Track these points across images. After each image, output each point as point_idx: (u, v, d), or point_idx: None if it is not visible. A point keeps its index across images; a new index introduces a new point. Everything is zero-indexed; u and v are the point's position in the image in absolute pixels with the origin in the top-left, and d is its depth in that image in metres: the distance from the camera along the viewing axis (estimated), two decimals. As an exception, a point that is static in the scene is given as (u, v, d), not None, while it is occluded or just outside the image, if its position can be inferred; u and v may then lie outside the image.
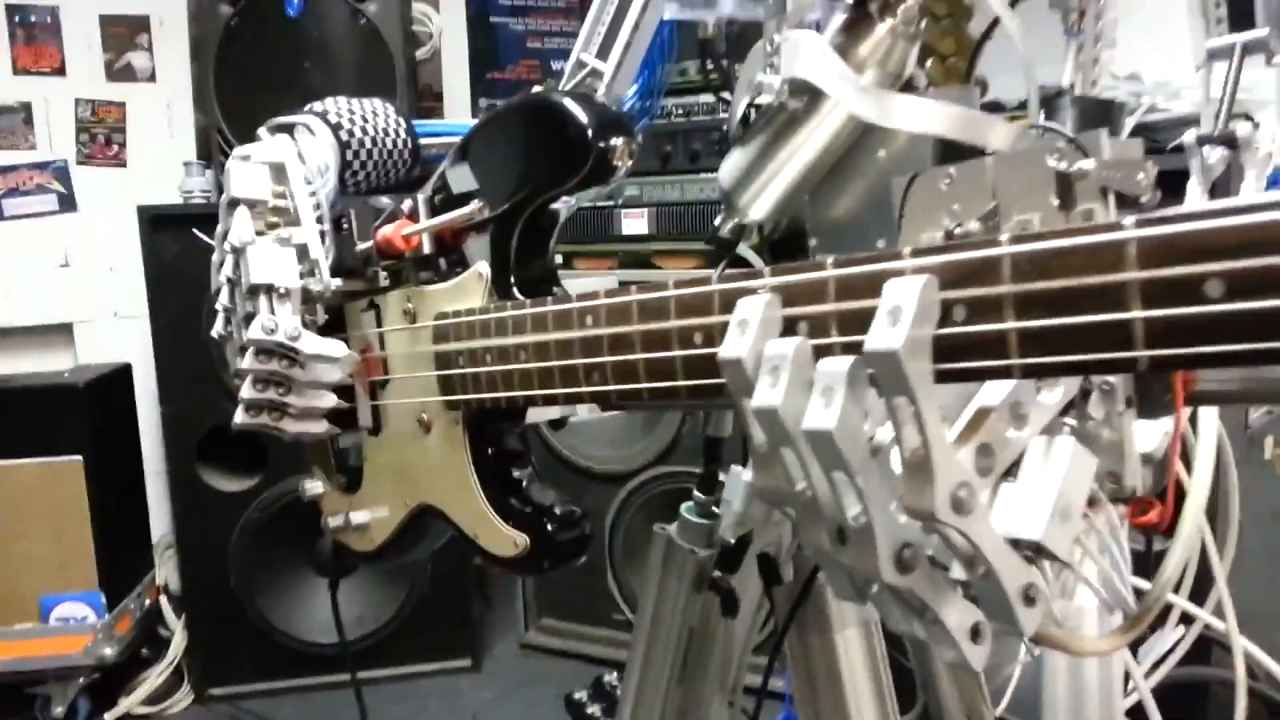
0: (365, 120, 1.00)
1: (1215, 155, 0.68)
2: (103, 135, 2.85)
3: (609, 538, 2.59)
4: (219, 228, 0.90)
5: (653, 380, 0.59)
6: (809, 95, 0.90)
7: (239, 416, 0.87)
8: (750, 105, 0.98)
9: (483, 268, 0.78)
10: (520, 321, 0.70)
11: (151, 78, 2.90)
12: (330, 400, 0.88)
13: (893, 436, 0.45)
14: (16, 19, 2.78)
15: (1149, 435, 0.49)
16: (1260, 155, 0.66)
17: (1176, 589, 1.18)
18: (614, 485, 2.57)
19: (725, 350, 0.49)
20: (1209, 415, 0.65)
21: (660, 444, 2.50)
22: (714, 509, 1.06)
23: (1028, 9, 0.95)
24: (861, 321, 0.45)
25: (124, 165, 2.88)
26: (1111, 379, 0.50)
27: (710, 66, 1.09)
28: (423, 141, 1.06)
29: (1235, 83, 0.77)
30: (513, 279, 0.77)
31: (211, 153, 2.49)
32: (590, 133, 0.70)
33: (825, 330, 0.48)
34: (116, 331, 2.89)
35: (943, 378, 0.44)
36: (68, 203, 2.87)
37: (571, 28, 3.38)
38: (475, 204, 0.76)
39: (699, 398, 0.56)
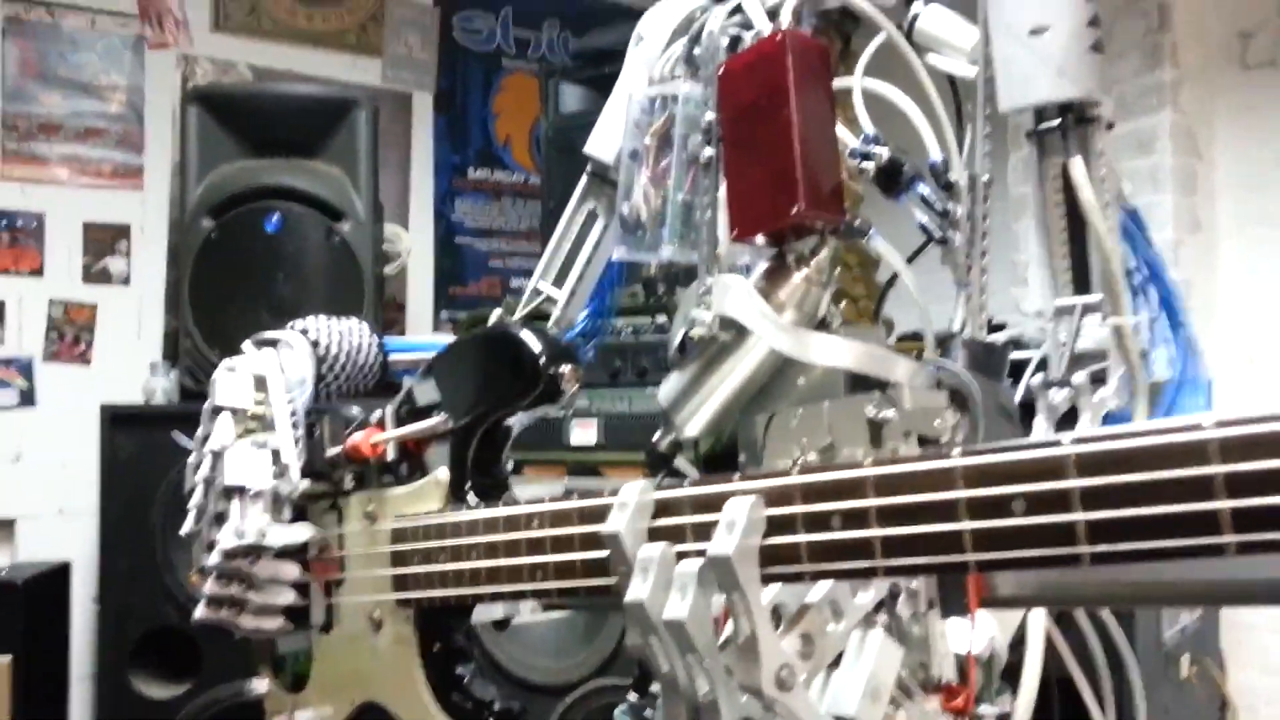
0: (341, 337, 1.11)
1: (1060, 396, 0.80)
2: (71, 334, 2.95)
3: (548, 751, 2.53)
4: (200, 431, 0.98)
5: (590, 577, 0.67)
6: (736, 330, 1.03)
7: (200, 611, 0.92)
8: (686, 335, 1.11)
9: (442, 474, 0.86)
10: (473, 524, 0.79)
11: (126, 281, 3.03)
12: (289, 596, 0.94)
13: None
14: (4, 223, 2.93)
15: (977, 636, 0.59)
16: (1095, 400, 0.78)
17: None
18: (553, 697, 2.55)
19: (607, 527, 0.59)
20: (1037, 617, 0.74)
21: (601, 655, 2.50)
22: (647, 712, 1.11)
23: (926, 261, 1.10)
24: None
25: (88, 364, 2.96)
26: (915, 584, 0.60)
27: (654, 297, 1.22)
28: (391, 357, 1.17)
29: (1076, 336, 0.91)
30: (468, 485, 0.86)
31: (179, 355, 2.59)
32: (542, 360, 0.80)
33: (683, 537, 0.59)
34: (59, 528, 2.88)
35: (817, 576, 0.53)
36: (27, 398, 2.92)
37: (531, 248, 3.60)
38: (440, 417, 0.86)
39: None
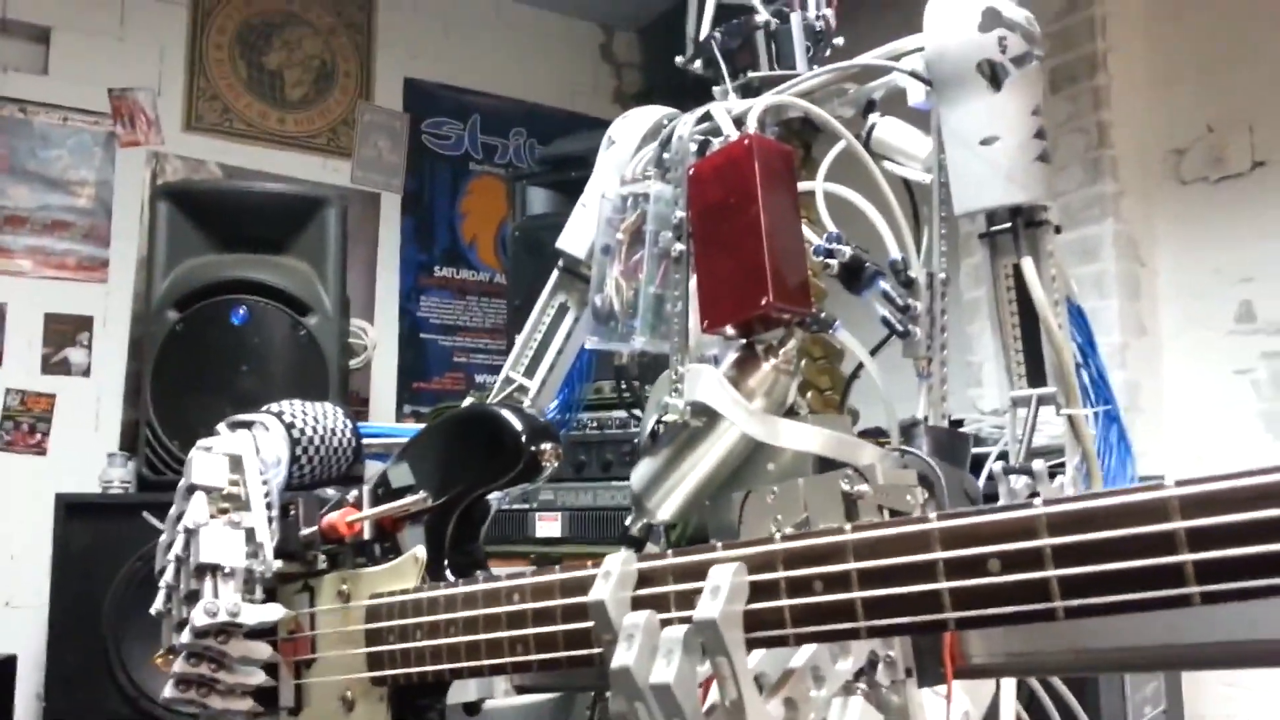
0: (316, 421, 1.12)
1: (1020, 483, 0.84)
2: (27, 424, 2.90)
3: None
4: (173, 510, 0.98)
5: (572, 649, 0.68)
6: (708, 416, 1.06)
7: (168, 691, 0.91)
8: (658, 422, 1.13)
9: (420, 551, 0.87)
10: (452, 599, 0.79)
11: (86, 373, 3.00)
12: (258, 677, 0.93)
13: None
14: (-34, 319, 2.91)
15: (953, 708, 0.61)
16: (1054, 487, 0.82)
17: None
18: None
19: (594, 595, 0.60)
20: (1008, 687, 0.76)
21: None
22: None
23: (887, 355, 1.14)
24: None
25: (43, 454, 2.91)
26: (893, 652, 0.62)
27: (624, 387, 1.25)
28: (365, 440, 1.18)
29: (1033, 426, 0.96)
30: (446, 562, 0.86)
31: (137, 446, 2.55)
32: (524, 438, 0.82)
33: (666, 606, 0.60)
34: (6, 620, 2.78)
35: (801, 640, 0.55)
36: (-23, 490, 2.86)
37: (495, 345, 3.64)
38: (419, 495, 0.87)
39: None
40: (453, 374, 3.57)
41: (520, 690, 0.90)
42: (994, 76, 1.04)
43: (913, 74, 1.10)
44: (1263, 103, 2.55)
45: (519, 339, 1.41)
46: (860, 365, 1.17)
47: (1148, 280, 2.71)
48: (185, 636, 0.89)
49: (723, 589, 0.55)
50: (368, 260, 3.50)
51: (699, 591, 0.58)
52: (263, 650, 0.91)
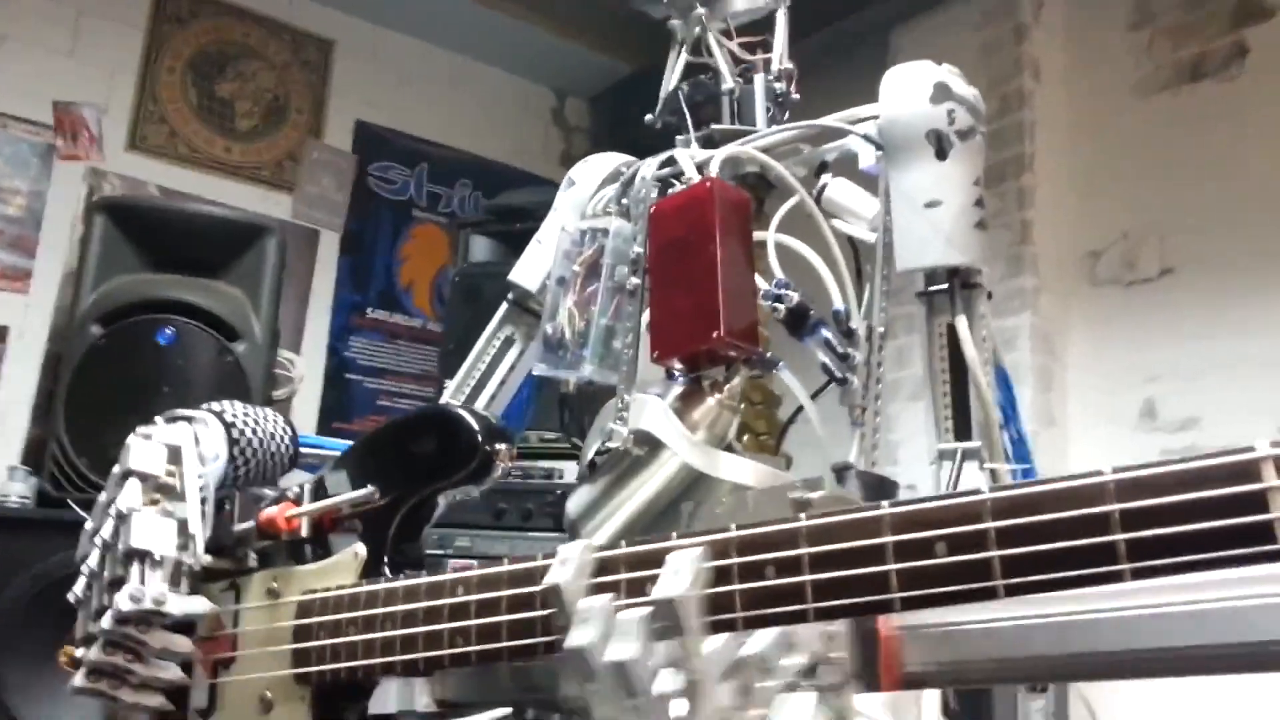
0: (256, 424, 1.11)
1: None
2: (-73, 432, 2.78)
3: None
4: (103, 496, 0.96)
5: (516, 639, 0.69)
6: (650, 446, 1.08)
7: (79, 679, 0.88)
8: (599, 452, 1.15)
9: (359, 548, 0.87)
10: (391, 593, 0.79)
11: (-7, 385, 2.90)
12: (174, 673, 0.91)
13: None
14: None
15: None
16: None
17: None
18: None
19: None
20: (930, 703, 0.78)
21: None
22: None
23: (824, 402, 1.19)
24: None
25: (-61, 465, 2.78)
26: (835, 655, 0.64)
27: (566, 416, 1.26)
28: (303, 450, 1.18)
29: (957, 478, 1.01)
30: (385, 560, 0.86)
31: (43, 463, 2.46)
32: (479, 435, 0.83)
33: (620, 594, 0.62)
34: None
35: (749, 623, 0.57)
36: None
37: (422, 391, 3.61)
38: (370, 488, 0.87)
39: (553, 652, 0.67)
40: (375, 416, 3.53)
41: (441, 705, 0.89)
42: (941, 146, 1.11)
43: (866, 138, 1.16)
44: (1173, 214, 2.71)
45: (462, 369, 1.42)
46: (796, 412, 1.20)
47: (1059, 373, 2.84)
48: (106, 622, 0.86)
49: (683, 571, 0.56)
50: (300, 296, 3.46)
51: (653, 579, 0.60)
52: (183, 644, 0.90)
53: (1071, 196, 2.91)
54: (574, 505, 1.16)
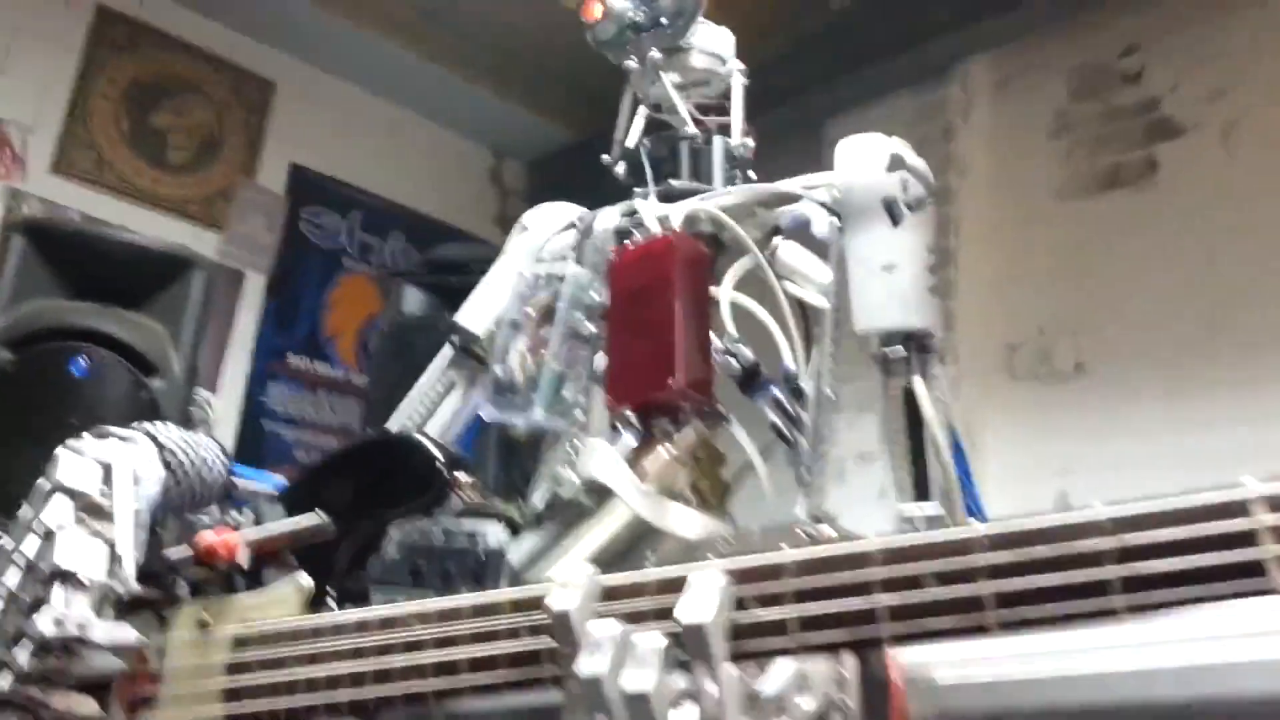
0: (189, 449, 1.07)
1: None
2: None
3: None
4: (23, 511, 0.91)
5: (476, 672, 0.66)
6: (599, 495, 1.07)
7: (-14, 709, 0.82)
8: (546, 504, 1.14)
9: (303, 579, 0.83)
10: (340, 626, 0.76)
11: (-119, 407, 2.73)
12: (90, 708, 0.85)
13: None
14: None
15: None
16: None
17: None
18: None
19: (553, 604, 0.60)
20: None
21: None
22: None
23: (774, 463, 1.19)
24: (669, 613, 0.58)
25: None
26: (849, 699, 0.63)
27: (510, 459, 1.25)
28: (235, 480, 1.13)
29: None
30: (330, 591, 0.83)
31: (-72, 490, 2.31)
32: (438, 461, 0.81)
33: (644, 619, 0.60)
34: None
35: (739, 656, 0.56)
36: None
37: (339, 443, 3.52)
38: (324, 518, 0.84)
39: (520, 689, 0.65)
40: (289, 466, 3.42)
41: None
42: (895, 213, 1.15)
43: (821, 204, 1.19)
44: (1087, 314, 2.84)
45: (400, 410, 1.40)
46: (742, 470, 1.21)
47: (978, 462, 2.89)
48: (23, 648, 0.81)
49: (711, 595, 0.55)
50: (220, 336, 3.37)
51: (656, 609, 0.58)
52: (114, 662, 0.84)
53: (992, 290, 3.03)
54: (518, 555, 1.14)
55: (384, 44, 3.61)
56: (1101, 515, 0.47)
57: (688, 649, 0.54)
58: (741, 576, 0.57)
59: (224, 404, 3.29)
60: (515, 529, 2.54)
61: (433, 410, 1.38)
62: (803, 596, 0.54)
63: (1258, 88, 2.69)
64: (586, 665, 0.56)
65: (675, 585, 0.60)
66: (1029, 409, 2.88)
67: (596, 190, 1.34)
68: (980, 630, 0.49)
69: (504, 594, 0.67)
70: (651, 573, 0.61)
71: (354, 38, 3.58)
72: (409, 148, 3.99)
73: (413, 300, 2.99)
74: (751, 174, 1.35)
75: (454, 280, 2.97)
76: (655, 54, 1.33)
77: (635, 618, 0.59)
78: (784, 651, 0.54)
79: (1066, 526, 0.48)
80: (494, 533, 2.78)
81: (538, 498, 1.15)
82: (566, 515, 1.10)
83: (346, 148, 3.82)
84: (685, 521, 1.06)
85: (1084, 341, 2.83)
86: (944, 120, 3.16)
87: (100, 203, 3.22)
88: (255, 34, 3.59)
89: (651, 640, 0.55)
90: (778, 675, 0.59)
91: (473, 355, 1.38)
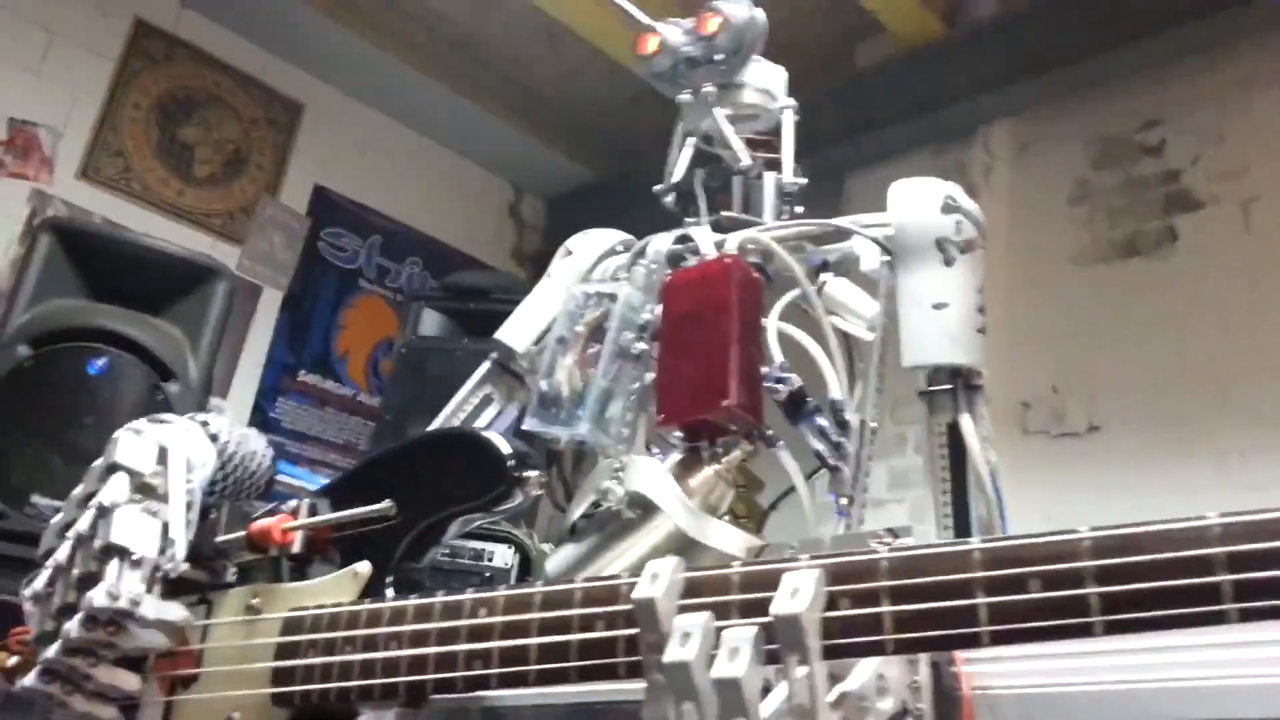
0: (240, 442, 1.07)
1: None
2: None
3: None
4: (80, 489, 0.91)
5: (544, 662, 0.66)
6: (643, 510, 1.07)
7: (31, 678, 0.82)
8: (584, 515, 1.14)
9: (362, 566, 0.83)
10: (400, 612, 0.76)
11: (-108, 397, 2.72)
12: (133, 684, 0.85)
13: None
14: None
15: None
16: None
17: None
18: None
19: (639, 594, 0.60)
20: None
21: None
22: None
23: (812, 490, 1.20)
24: (759, 608, 0.58)
25: None
26: (923, 706, 0.63)
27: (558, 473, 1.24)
28: (278, 478, 1.14)
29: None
30: (388, 580, 0.83)
31: (-60, 481, 2.30)
32: (509, 461, 0.82)
33: (727, 613, 0.60)
34: None
35: (836, 652, 0.56)
36: None
37: (344, 461, 3.51)
38: (387, 503, 0.84)
39: (589, 679, 0.65)
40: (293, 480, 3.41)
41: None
42: (948, 253, 1.16)
43: (875, 241, 1.21)
44: (1101, 376, 2.86)
45: (437, 421, 1.40)
46: (783, 495, 1.21)
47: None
48: (76, 621, 0.81)
49: (804, 590, 0.56)
50: (234, 348, 3.37)
51: (741, 602, 0.59)
52: (159, 640, 0.84)
53: (1006, 347, 3.05)
54: (555, 565, 1.14)
55: (413, 74, 3.66)
56: (1211, 523, 0.47)
57: (781, 640, 0.55)
58: (836, 574, 0.57)
59: (233, 414, 3.29)
60: (524, 552, 2.52)
61: (470, 422, 1.39)
62: (898, 597, 0.54)
63: (1278, 167, 2.74)
64: (676, 652, 0.57)
65: (759, 582, 0.60)
66: (1040, 465, 2.89)
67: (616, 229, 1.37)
68: (1086, 631, 0.49)
69: (569, 586, 0.67)
70: (737, 568, 0.62)
71: (384, 66, 3.63)
72: (431, 177, 4.02)
73: (430, 323, 3.00)
74: (799, 209, 1.37)
75: (472, 305, 2.99)
76: (709, 88, 1.35)
77: (720, 611, 0.59)
78: (877, 648, 0.55)
79: (1170, 534, 0.48)
80: (501, 553, 2.76)
81: (576, 509, 1.15)
82: (608, 527, 1.10)
83: (370, 173, 3.85)
84: (726, 538, 1.07)
85: (1098, 402, 2.85)
86: (965, 179, 3.20)
87: (124, 209, 3.24)
88: (287, 56, 3.64)
89: (743, 630, 0.56)
90: (859, 674, 0.59)
91: (509, 371, 1.39)
